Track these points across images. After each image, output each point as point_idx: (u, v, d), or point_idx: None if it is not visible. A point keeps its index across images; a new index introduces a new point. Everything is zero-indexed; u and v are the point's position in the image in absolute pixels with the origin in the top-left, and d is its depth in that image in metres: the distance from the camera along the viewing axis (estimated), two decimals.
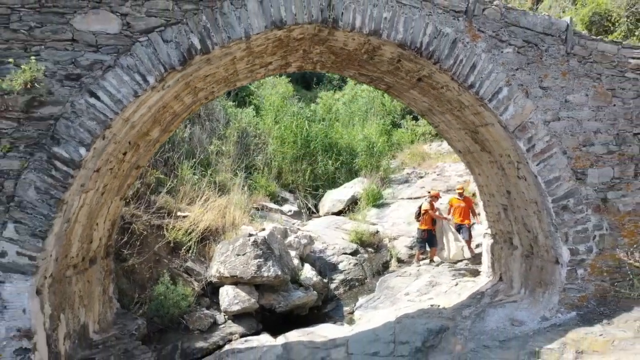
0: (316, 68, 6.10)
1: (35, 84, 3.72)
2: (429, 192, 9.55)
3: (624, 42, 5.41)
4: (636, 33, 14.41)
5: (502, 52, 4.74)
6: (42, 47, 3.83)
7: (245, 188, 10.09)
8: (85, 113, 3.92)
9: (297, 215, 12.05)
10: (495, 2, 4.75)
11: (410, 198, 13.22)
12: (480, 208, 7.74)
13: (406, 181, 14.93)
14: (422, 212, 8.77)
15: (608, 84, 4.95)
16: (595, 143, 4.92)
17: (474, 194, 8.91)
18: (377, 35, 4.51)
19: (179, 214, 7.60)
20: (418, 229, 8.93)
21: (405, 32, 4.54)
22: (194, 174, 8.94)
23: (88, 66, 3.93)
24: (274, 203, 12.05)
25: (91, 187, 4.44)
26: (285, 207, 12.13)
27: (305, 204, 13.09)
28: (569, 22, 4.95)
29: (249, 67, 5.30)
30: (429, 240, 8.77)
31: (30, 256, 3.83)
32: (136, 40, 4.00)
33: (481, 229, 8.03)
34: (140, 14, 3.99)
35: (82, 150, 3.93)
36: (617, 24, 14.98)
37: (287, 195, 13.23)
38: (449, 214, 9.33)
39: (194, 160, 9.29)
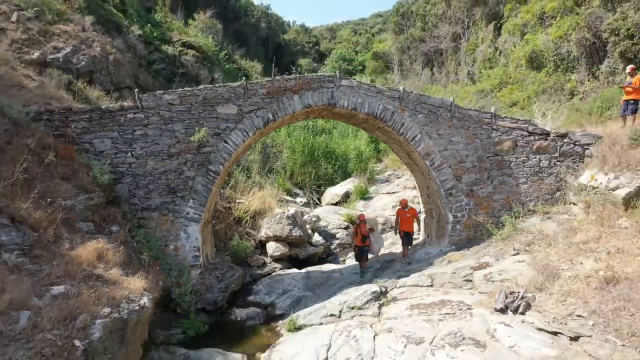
0: (324, 117, 10.85)
1: (202, 137, 8.44)
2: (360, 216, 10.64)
3: (481, 110, 10.18)
4: (560, 67, 19.28)
5: (417, 116, 9.50)
6: (205, 121, 8.55)
7: (274, 185, 14.84)
8: (222, 150, 8.65)
9: (306, 205, 16.78)
10: (413, 92, 9.52)
11: (389, 193, 18.02)
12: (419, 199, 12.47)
13: (387, 180, 19.74)
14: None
15: (473, 131, 9.71)
16: (466, 162, 9.69)
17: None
18: (355, 110, 9.28)
19: (237, 201, 12.33)
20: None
21: (369, 108, 9.30)
22: (242, 176, 13.66)
23: (223, 129, 8.65)
24: (289, 196, 16.78)
25: (217, 184, 9.17)
26: (298, 200, 16.86)
27: (312, 197, 17.82)
28: (452, 100, 9.71)
29: (291, 120, 10.04)
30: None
31: (198, 214, 8.55)
32: (244, 116, 8.74)
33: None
34: (246, 105, 8.72)
35: (220, 167, 8.67)
36: (546, 60, 19.94)
37: (298, 191, 17.96)
38: (396, 224, 10.71)
39: (241, 166, 14.00)
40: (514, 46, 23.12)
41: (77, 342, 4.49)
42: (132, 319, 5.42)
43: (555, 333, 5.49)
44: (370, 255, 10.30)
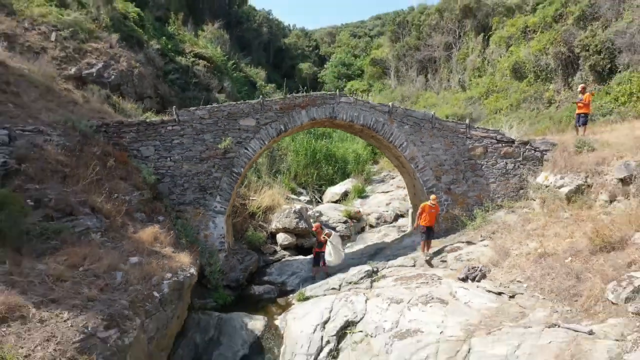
0: (326, 127, 12.75)
1: (227, 145, 10.34)
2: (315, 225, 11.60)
3: (458, 121, 12.09)
4: (540, 78, 21.21)
5: (404, 127, 11.41)
6: (229, 132, 10.46)
7: (281, 184, 16.74)
8: (243, 155, 10.55)
9: (309, 202, 18.67)
10: (400, 107, 11.44)
11: (384, 192, 19.93)
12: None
13: (382, 180, 21.66)
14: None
15: (450, 139, 11.62)
16: (445, 165, 11.59)
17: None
18: (352, 122, 11.19)
19: (251, 198, 14.23)
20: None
21: (364, 120, 11.22)
22: (254, 176, 15.56)
23: (244, 138, 10.55)
24: (294, 195, 18.67)
25: (238, 184, 11.06)
26: (301, 198, 18.76)
27: (314, 195, 19.72)
28: (433, 113, 11.62)
29: (299, 130, 11.95)
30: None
31: (224, 208, 10.45)
32: (261, 127, 10.65)
33: None
34: (262, 118, 10.63)
35: (241, 169, 10.57)
36: (528, 71, 21.87)
37: (302, 190, 19.86)
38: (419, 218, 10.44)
39: (252, 168, 15.87)
40: (500, 57, 25.06)
41: (155, 293, 6.40)
42: (186, 282, 7.33)
43: (499, 293, 7.40)
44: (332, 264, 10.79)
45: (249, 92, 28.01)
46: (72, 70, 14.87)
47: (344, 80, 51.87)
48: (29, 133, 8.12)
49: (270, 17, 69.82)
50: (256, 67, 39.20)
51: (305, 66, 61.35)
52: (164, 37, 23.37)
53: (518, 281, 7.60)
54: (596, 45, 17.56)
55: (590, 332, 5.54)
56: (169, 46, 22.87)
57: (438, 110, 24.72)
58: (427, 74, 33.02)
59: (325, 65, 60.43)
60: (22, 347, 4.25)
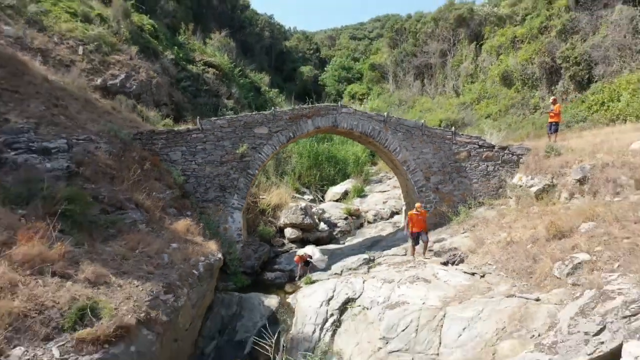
0: (329, 133, 14.36)
1: (244, 151, 11.94)
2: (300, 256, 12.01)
3: (446, 128, 13.69)
4: (526, 85, 22.79)
5: (397, 134, 13.02)
6: (245, 139, 12.06)
7: (287, 185, 18.35)
8: (257, 159, 12.16)
9: (312, 201, 20.26)
10: (394, 117, 13.05)
11: (381, 191, 21.53)
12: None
13: (380, 181, 23.27)
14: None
15: (438, 145, 13.22)
16: (433, 167, 13.20)
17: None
18: (352, 129, 12.81)
19: (260, 196, 15.83)
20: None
21: (362, 128, 12.83)
22: (263, 177, 17.16)
23: (258, 144, 12.16)
24: (299, 194, 20.27)
25: (252, 184, 12.66)
26: (305, 197, 20.35)
27: (317, 195, 21.31)
28: (422, 122, 13.22)
29: (305, 137, 13.56)
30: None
31: (240, 204, 12.06)
32: (273, 135, 12.26)
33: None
34: (274, 127, 12.24)
35: (256, 171, 12.18)
36: (515, 79, 23.47)
37: (305, 190, 21.45)
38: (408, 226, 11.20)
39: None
40: (491, 65, 26.68)
41: (194, 271, 8.00)
42: (215, 264, 8.93)
43: (472, 273, 9.01)
44: None
45: (255, 97, 29.59)
46: (98, 81, 16.47)
47: (344, 83, 53.50)
48: (82, 141, 9.72)
49: (272, 21, 71.37)
50: (259, 71, 40.75)
51: (306, 69, 62.85)
52: (175, 47, 24.95)
53: (489, 264, 9.20)
54: (575, 57, 19.19)
55: (537, 299, 7.14)
56: (181, 55, 24.45)
57: (432, 115, 26.38)
58: (423, 79, 34.63)
59: (325, 69, 61.95)
60: (111, 303, 5.84)
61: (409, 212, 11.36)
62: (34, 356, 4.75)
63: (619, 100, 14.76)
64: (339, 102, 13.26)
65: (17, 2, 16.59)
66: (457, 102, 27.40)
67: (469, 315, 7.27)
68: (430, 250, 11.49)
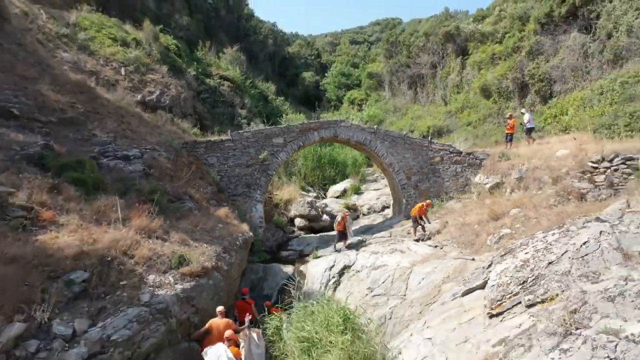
0: (330, 142, 17.81)
1: (265, 156, 15.38)
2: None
3: (423, 137, 17.11)
4: (502, 97, 26.18)
5: (385, 143, 16.45)
6: (266, 147, 15.49)
7: (295, 183, 21.79)
8: (274, 163, 15.61)
9: (316, 198, 23.70)
10: (382, 129, 16.49)
11: (375, 189, 24.96)
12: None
13: (374, 180, 26.69)
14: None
15: (417, 151, 16.65)
16: (413, 169, 16.63)
17: None
18: (348, 139, 16.26)
19: (274, 193, 19.24)
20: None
21: (357, 138, 16.27)
22: (275, 177, 20.58)
23: (275, 151, 15.60)
24: (304, 192, 23.70)
25: (270, 182, 16.09)
26: (310, 194, 23.78)
27: (320, 192, 24.73)
28: (405, 133, 16.66)
29: (311, 144, 17.00)
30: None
31: (262, 197, 15.50)
32: (287, 143, 15.68)
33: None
34: (288, 137, 15.68)
35: (273, 172, 15.63)
36: (493, 91, 26.89)
37: (310, 188, 24.89)
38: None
39: None
40: (474, 77, 30.08)
41: (237, 242, 11.41)
42: (249, 240, 12.36)
43: (435, 246, 12.44)
44: None
45: (264, 106, 33.04)
46: (138, 97, 19.92)
47: (344, 89, 56.90)
48: (149, 150, 13.15)
49: (275, 28, 74.80)
50: (264, 78, 44.19)
51: (308, 75, 66.18)
52: (194, 63, 28.41)
53: (447, 240, 12.63)
54: (539, 75, 22.61)
55: (473, 259, 10.56)
56: (200, 70, 27.91)
57: (422, 122, 29.82)
58: (416, 88, 38.03)
59: (326, 74, 65.32)
60: (194, 255, 9.24)
61: (420, 203, 14.44)
62: (160, 280, 8.13)
63: (567, 114, 18.13)
64: (339, 119, 16.70)
65: (70, 31, 20.11)
66: (444, 110, 30.80)
67: (427, 270, 10.69)
68: (408, 233, 14.91)
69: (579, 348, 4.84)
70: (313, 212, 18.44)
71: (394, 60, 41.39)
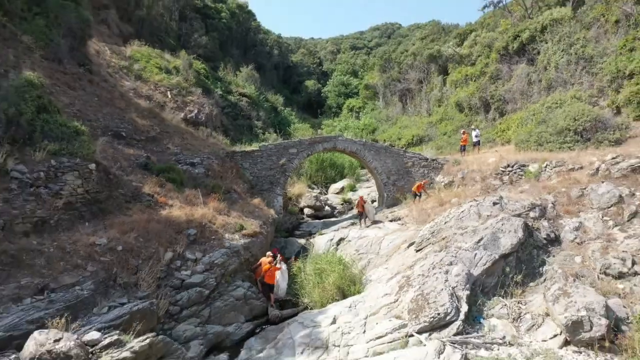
0: (331, 151, 23.70)
1: (283, 162, 21.26)
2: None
3: (400, 147, 22.97)
4: (472, 112, 32.11)
5: (371, 152, 22.31)
6: (283, 155, 21.38)
7: (304, 182, 27.68)
8: (290, 167, 21.50)
9: (319, 193, 29.57)
10: (369, 141, 22.38)
11: (367, 187, 30.84)
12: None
13: (367, 180, 32.57)
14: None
15: (396, 158, 22.49)
16: (392, 171, 22.49)
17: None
18: (345, 149, 22.15)
19: (288, 189, 25.10)
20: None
21: (351, 148, 22.16)
22: None
23: (291, 158, 21.49)
24: (310, 189, 29.56)
25: (287, 181, 21.97)
26: (315, 191, 29.67)
27: (322, 189, 30.60)
28: (386, 144, 22.54)
29: (316, 152, 22.87)
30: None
31: (281, 193, 21.39)
32: (299, 152, 21.57)
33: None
34: (300, 148, 21.57)
35: (290, 173, 21.52)
36: (465, 106, 32.83)
37: (314, 186, 30.77)
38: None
39: None
40: (451, 94, 35.94)
41: (269, 219, 17.26)
42: (276, 219, 18.24)
43: (402, 224, 18.32)
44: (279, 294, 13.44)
45: (274, 117, 38.95)
46: (181, 116, 25.80)
47: (343, 97, 62.82)
48: (206, 158, 19.01)
49: (280, 40, 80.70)
50: (271, 88, 50.08)
51: (310, 83, 72.00)
52: (218, 82, 34.30)
53: (410, 220, 18.49)
54: (498, 96, 28.46)
55: (417, 229, 16.40)
56: (222, 89, 33.80)
57: (408, 131, 35.69)
58: (405, 101, 43.88)
59: (327, 82, 71.10)
60: (248, 223, 15.07)
61: (418, 182, 20.60)
62: (231, 237, 13.94)
63: (509, 130, 23.95)
64: (337, 134, 22.52)
65: (128, 64, 26.07)
66: (426, 121, 36.67)
67: (394, 237, 16.55)
68: (385, 217, 20.78)
69: (445, 254, 10.70)
70: (318, 204, 24.31)
71: (387, 75, 47.28)
